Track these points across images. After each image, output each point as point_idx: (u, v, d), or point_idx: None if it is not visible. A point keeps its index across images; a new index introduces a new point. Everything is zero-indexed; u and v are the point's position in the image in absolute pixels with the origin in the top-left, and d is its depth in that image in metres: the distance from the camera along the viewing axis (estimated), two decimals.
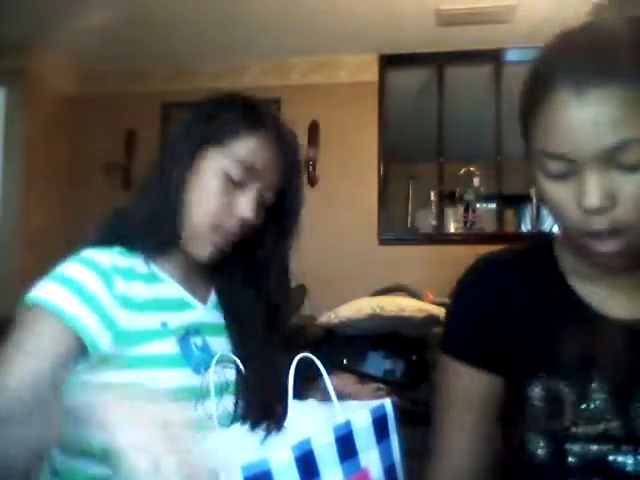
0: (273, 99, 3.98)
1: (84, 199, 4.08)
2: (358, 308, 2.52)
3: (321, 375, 0.80)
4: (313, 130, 3.94)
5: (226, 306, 1.02)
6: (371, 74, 3.97)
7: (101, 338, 0.84)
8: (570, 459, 0.76)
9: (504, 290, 0.84)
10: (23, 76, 3.78)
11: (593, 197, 0.67)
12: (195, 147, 0.92)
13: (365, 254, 3.83)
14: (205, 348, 0.94)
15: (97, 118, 4.12)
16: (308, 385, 0.94)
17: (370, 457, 0.74)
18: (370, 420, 0.75)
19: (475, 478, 0.84)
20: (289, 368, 0.78)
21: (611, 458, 0.75)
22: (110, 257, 0.89)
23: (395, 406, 0.80)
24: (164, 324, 0.90)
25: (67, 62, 4.00)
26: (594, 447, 0.75)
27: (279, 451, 0.67)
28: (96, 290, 0.85)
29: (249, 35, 3.62)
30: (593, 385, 0.76)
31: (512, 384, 0.82)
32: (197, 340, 0.94)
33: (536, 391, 0.79)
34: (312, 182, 3.91)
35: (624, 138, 0.65)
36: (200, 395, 0.88)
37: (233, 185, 0.91)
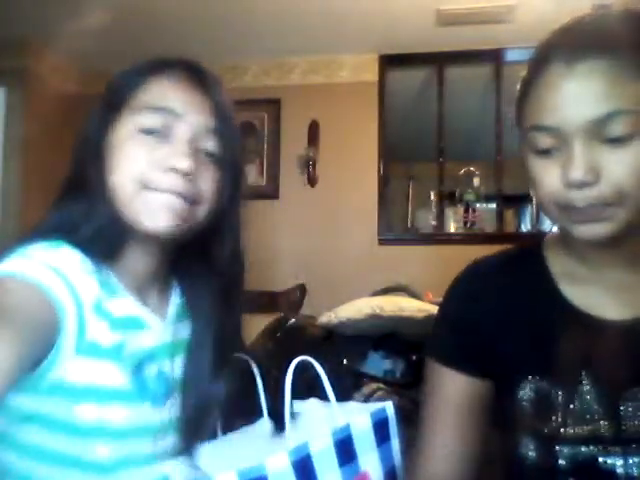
0: (273, 99, 3.99)
1: None
2: (358, 308, 2.51)
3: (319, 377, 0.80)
4: (313, 130, 3.93)
5: (190, 305, 0.89)
6: (371, 74, 3.97)
7: (71, 326, 0.70)
8: (561, 461, 0.76)
9: (492, 295, 0.84)
10: (23, 76, 3.78)
11: (578, 169, 0.68)
12: (100, 119, 0.81)
13: (365, 254, 3.83)
14: (161, 377, 0.81)
15: None
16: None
17: (370, 461, 0.73)
18: (370, 423, 0.74)
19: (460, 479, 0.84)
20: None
21: (601, 460, 0.75)
22: (63, 255, 0.75)
23: (396, 407, 0.80)
24: (120, 345, 0.75)
25: (67, 62, 4.00)
26: (583, 448, 0.75)
27: (276, 456, 0.65)
28: (78, 278, 0.73)
29: (249, 35, 3.62)
30: (582, 386, 0.76)
31: (502, 387, 0.83)
32: (152, 369, 0.80)
33: (526, 393, 0.79)
34: (312, 182, 3.91)
35: (611, 110, 0.67)
36: (160, 430, 0.79)
37: (156, 138, 0.78)
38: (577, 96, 0.68)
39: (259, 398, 0.85)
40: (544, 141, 0.71)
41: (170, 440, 0.80)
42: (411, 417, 0.92)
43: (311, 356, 0.83)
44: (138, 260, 0.83)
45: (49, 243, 0.76)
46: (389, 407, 0.77)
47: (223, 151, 0.82)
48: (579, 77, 0.68)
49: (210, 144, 0.81)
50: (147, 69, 0.83)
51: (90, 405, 0.72)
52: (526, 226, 5.34)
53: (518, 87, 0.77)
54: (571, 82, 0.68)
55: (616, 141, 0.68)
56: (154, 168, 0.77)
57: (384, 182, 3.99)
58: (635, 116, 0.67)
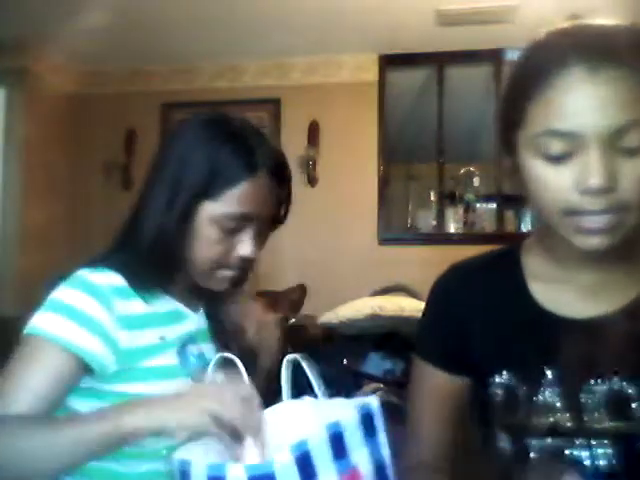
0: (273, 99, 3.99)
1: (84, 199, 4.09)
2: (358, 308, 2.52)
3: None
4: (313, 130, 3.94)
5: (209, 312, 1.07)
6: (371, 74, 3.97)
7: (106, 359, 0.87)
8: (532, 454, 0.80)
9: (468, 295, 0.89)
10: (23, 76, 3.78)
11: (599, 176, 0.68)
12: (191, 199, 0.93)
13: (365, 254, 3.83)
14: (201, 356, 0.99)
15: (97, 118, 4.12)
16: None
17: (359, 455, 0.74)
18: (357, 418, 0.75)
19: (440, 462, 0.90)
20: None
21: (567, 452, 0.78)
22: (106, 277, 0.90)
23: (396, 406, 0.81)
24: (162, 338, 0.93)
25: (67, 62, 4.00)
26: (550, 441, 0.79)
27: (280, 452, 0.67)
28: (96, 314, 0.87)
29: (249, 35, 3.62)
30: (544, 379, 0.80)
31: (477, 383, 0.87)
32: (193, 349, 0.98)
33: (497, 389, 0.83)
34: (312, 182, 3.91)
35: (632, 118, 0.67)
36: None
37: (231, 230, 0.94)
38: (600, 102, 0.67)
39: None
40: (558, 146, 0.70)
41: None
42: None
43: (311, 356, 0.84)
44: (177, 275, 1.01)
45: (94, 269, 0.91)
46: (373, 401, 0.78)
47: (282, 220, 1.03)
48: (602, 83, 0.67)
49: (268, 228, 1.00)
50: (242, 169, 0.93)
51: (144, 384, 0.90)
52: (526, 226, 5.33)
53: (509, 87, 0.77)
54: (593, 88, 0.67)
55: (632, 151, 0.68)
56: (226, 255, 0.95)
57: (384, 182, 3.99)
58: None
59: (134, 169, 3.93)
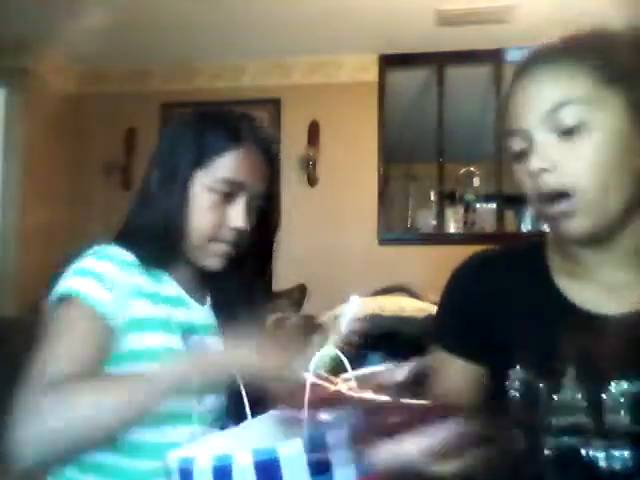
0: (273, 99, 3.99)
1: (84, 199, 4.09)
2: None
3: None
4: (313, 130, 3.94)
5: (218, 306, 1.10)
6: (371, 74, 3.97)
7: (120, 321, 0.91)
8: (546, 451, 0.79)
9: (491, 286, 0.88)
10: (23, 76, 3.78)
11: (536, 158, 0.76)
12: (185, 171, 1.00)
13: (365, 254, 3.83)
14: (203, 345, 1.02)
15: (97, 118, 4.12)
16: None
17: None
18: None
19: None
20: None
21: (583, 452, 0.77)
22: (122, 252, 0.96)
23: None
24: (169, 315, 0.97)
25: (67, 62, 4.00)
26: (567, 439, 0.78)
27: (289, 442, 0.67)
28: (117, 277, 0.92)
29: (249, 35, 3.62)
30: (566, 378, 0.79)
31: (494, 376, 0.86)
32: (196, 339, 1.01)
33: (515, 383, 0.82)
34: (312, 182, 3.91)
35: (561, 100, 0.75)
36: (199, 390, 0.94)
37: (222, 199, 1.00)
38: (532, 95, 0.78)
39: None
40: (516, 144, 0.80)
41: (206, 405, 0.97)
42: None
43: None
44: (184, 265, 1.05)
45: (106, 249, 0.96)
46: None
47: (270, 203, 1.09)
48: (532, 79, 0.78)
49: (259, 203, 1.05)
50: (227, 139, 1.01)
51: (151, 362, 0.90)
52: (526, 226, 5.33)
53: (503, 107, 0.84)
54: (527, 84, 0.78)
55: (569, 133, 0.75)
56: (219, 225, 1.00)
57: (384, 182, 3.99)
58: (583, 106, 0.74)
59: (134, 169, 3.93)
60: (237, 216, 1.01)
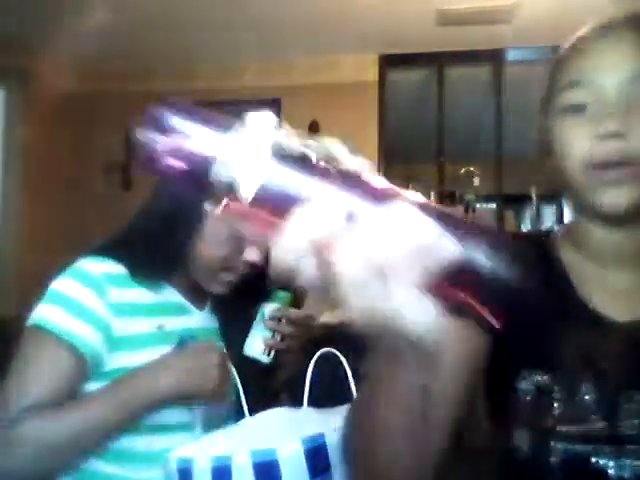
0: (273, 99, 3.98)
1: (84, 199, 4.08)
2: None
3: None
4: (313, 130, 3.93)
5: (220, 310, 1.09)
6: (371, 74, 3.97)
7: (99, 347, 0.90)
8: (553, 458, 0.76)
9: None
10: (23, 76, 3.78)
11: (613, 119, 0.72)
12: (199, 202, 0.95)
13: None
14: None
15: (97, 118, 4.12)
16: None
17: None
18: None
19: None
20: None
21: (593, 460, 0.75)
22: (103, 266, 0.93)
23: None
24: (160, 327, 0.95)
25: (67, 62, 4.00)
26: (577, 447, 0.75)
27: (289, 443, 0.67)
28: (90, 303, 0.89)
29: (249, 35, 3.62)
30: (582, 384, 0.76)
31: (503, 375, 0.82)
32: (189, 346, 0.99)
33: (526, 385, 0.79)
34: None
35: None
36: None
37: (238, 231, 0.97)
38: (611, 56, 0.74)
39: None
40: (578, 96, 0.75)
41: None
42: None
43: (310, 356, 0.84)
44: (185, 272, 1.03)
45: (92, 258, 0.94)
46: None
47: None
48: (616, 40, 0.75)
49: None
50: None
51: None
52: (526, 226, 5.33)
53: (548, 76, 0.81)
54: (609, 43, 0.75)
55: None
56: (234, 256, 0.98)
57: None
58: None
59: (134, 169, 3.93)
60: (253, 252, 0.98)
